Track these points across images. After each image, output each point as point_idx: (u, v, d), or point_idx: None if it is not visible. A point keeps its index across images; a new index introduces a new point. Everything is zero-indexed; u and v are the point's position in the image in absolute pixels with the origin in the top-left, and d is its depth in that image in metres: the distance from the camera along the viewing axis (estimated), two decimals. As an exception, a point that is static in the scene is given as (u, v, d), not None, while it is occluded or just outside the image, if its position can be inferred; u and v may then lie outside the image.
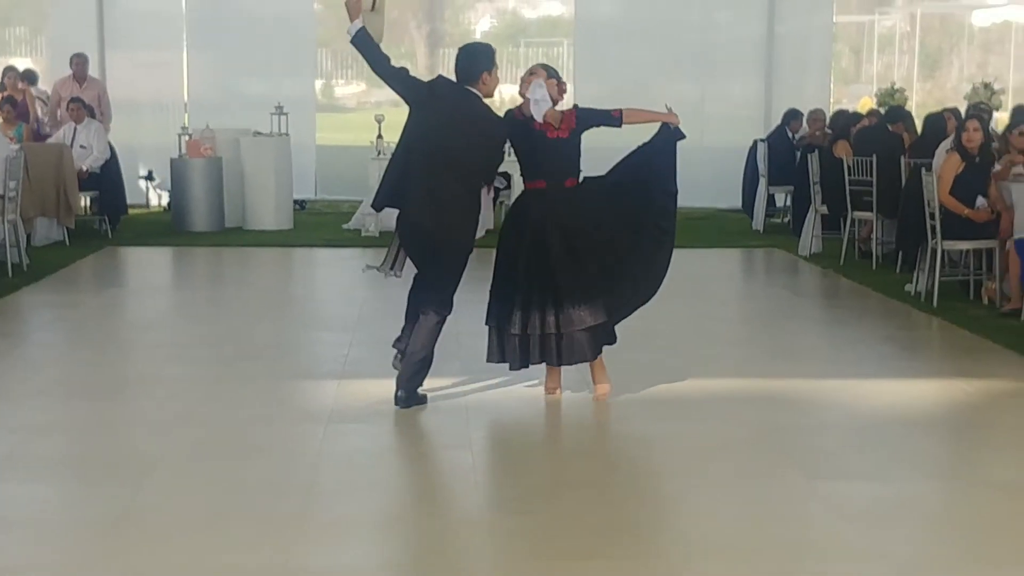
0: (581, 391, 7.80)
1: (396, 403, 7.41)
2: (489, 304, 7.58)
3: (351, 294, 11.57)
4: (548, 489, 6.18)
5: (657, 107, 7.82)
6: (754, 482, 6.29)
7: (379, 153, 15.17)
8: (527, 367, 7.61)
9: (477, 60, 7.29)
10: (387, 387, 7.75)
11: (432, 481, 6.54)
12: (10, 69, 16.62)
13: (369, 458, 6.75)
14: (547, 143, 7.40)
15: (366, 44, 7.32)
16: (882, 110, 16.34)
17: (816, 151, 13.84)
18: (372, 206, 7.77)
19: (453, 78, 7.33)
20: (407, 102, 7.34)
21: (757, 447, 6.91)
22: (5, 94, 15.76)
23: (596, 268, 7.44)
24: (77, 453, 6.75)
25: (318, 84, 28.40)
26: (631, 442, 7.03)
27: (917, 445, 6.96)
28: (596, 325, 7.45)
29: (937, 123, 12.63)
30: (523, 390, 7.81)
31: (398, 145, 7.37)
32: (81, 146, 15.06)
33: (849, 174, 12.86)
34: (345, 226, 15.87)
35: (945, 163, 10.73)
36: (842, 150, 13.33)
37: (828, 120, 15.50)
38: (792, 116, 16.01)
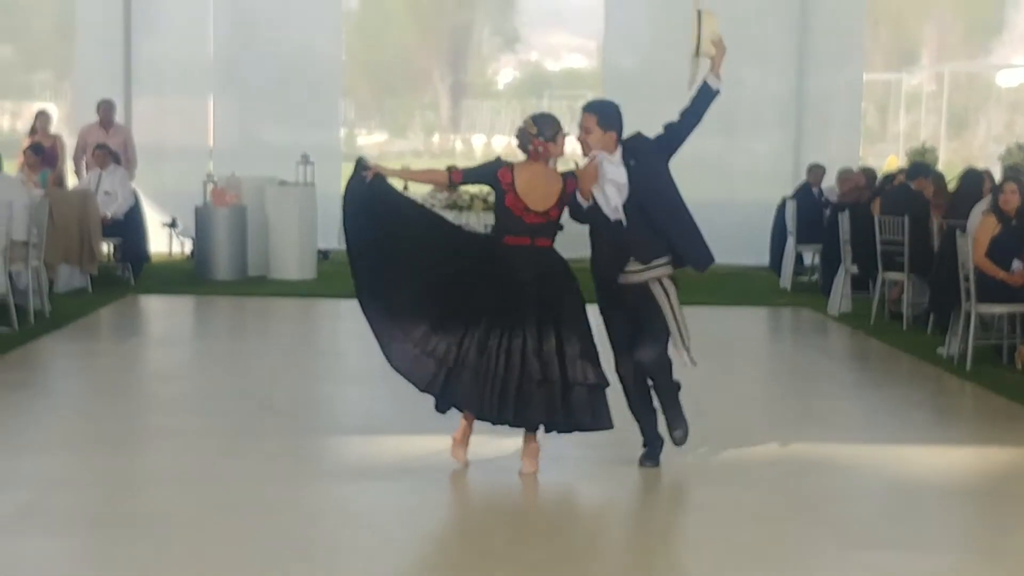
0: (605, 457, 7.64)
1: (677, 443, 7.44)
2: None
3: (374, 346, 11.39)
4: (574, 556, 6.03)
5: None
6: (786, 551, 6.14)
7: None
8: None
9: None
10: (410, 443, 7.69)
11: (456, 543, 6.36)
12: (42, 114, 16.62)
13: (391, 517, 6.61)
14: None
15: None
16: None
17: (847, 209, 13.71)
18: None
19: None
20: None
21: (788, 514, 6.76)
22: (34, 139, 15.73)
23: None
24: (93, 508, 6.61)
25: (341, 133, 28.37)
26: (658, 508, 6.87)
27: (953, 514, 6.83)
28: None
29: (974, 180, 12.43)
30: (555, 450, 7.60)
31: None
32: (106, 192, 15.02)
33: (880, 233, 12.72)
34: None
35: (981, 225, 10.59)
36: (878, 208, 13.19)
37: (868, 178, 15.36)
38: (816, 169, 15.96)
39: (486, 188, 7.48)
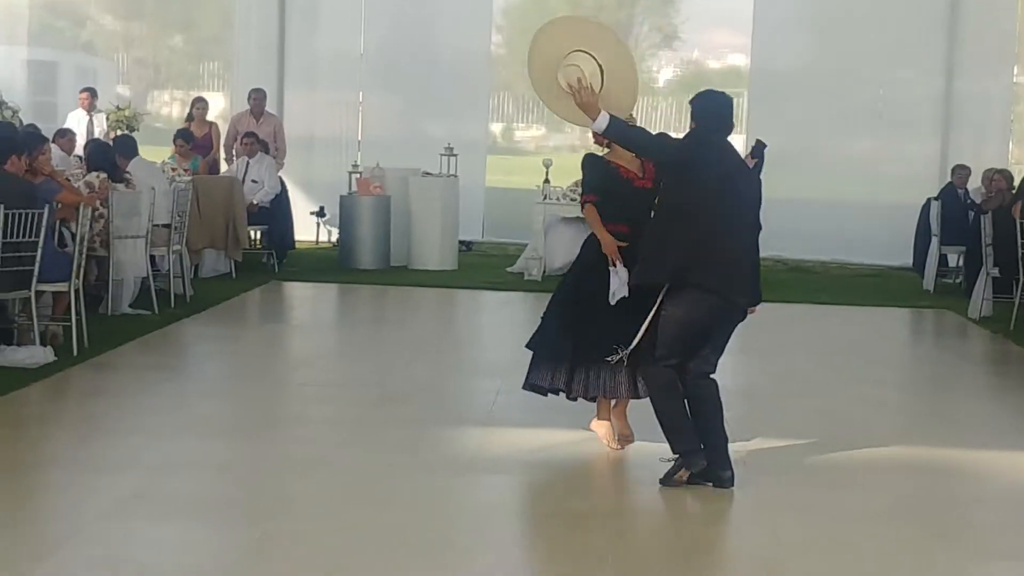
0: (737, 449, 7.51)
1: (725, 484, 6.85)
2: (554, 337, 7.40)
3: (507, 338, 11.41)
4: (678, 557, 5.92)
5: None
6: (906, 558, 5.97)
7: (544, 197, 15.08)
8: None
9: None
10: (531, 437, 7.67)
11: (573, 541, 6.25)
12: (199, 100, 16.88)
13: (508, 513, 6.57)
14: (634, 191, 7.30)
15: (621, 131, 6.90)
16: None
17: (990, 212, 13.38)
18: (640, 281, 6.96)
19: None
20: (677, 166, 6.86)
21: (911, 519, 6.58)
22: (190, 125, 16.00)
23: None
24: (209, 492, 6.68)
25: (498, 127, 28.51)
26: (771, 509, 6.69)
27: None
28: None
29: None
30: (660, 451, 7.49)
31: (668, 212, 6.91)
32: (252, 180, 15.22)
33: (1022, 236, 12.36)
34: (509, 269, 15.77)
35: None
36: (1019, 211, 12.82)
37: (1014, 180, 14.95)
38: (960, 169, 15.61)
39: None
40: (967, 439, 8.22)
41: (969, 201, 15.43)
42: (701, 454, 6.79)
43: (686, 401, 6.87)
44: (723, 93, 6.99)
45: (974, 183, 15.74)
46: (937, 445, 8.03)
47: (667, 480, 6.84)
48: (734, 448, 7.18)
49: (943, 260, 15.80)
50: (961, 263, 15.40)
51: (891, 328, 13.43)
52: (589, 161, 7.48)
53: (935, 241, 15.48)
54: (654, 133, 7.14)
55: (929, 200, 15.88)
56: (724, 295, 6.72)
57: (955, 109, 17.97)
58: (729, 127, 6.94)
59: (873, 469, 7.49)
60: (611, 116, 6.79)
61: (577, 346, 7.29)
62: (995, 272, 13.13)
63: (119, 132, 15.58)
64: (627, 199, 7.26)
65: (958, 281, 15.47)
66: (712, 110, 6.86)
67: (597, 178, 7.38)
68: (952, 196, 15.57)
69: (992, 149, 17.59)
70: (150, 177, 12.36)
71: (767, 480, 7.16)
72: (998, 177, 14.91)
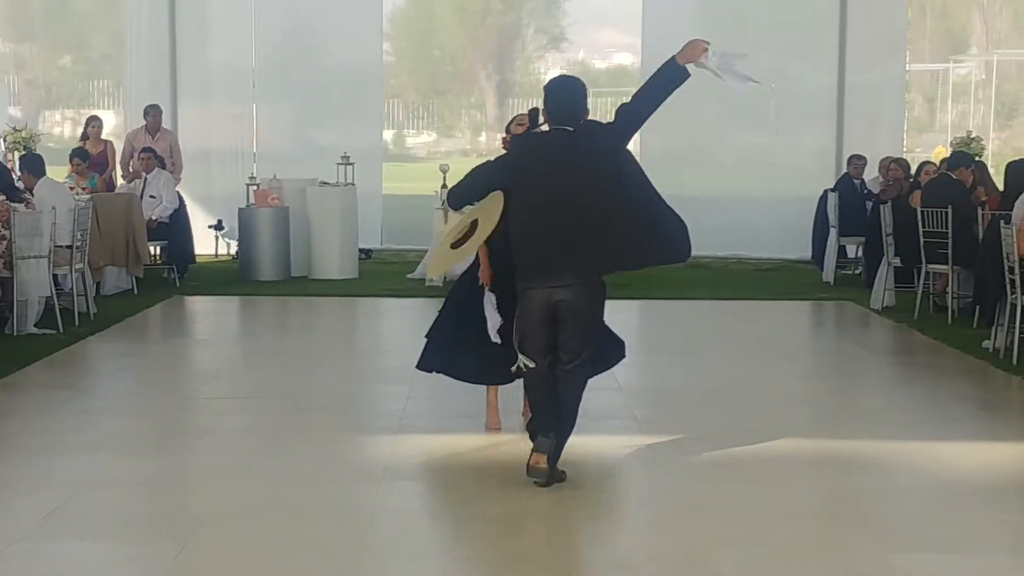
0: (649, 448, 7.62)
1: (539, 480, 6.85)
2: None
3: (412, 345, 11.36)
4: (609, 559, 6.00)
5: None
6: (825, 552, 6.02)
7: (443, 203, 15.13)
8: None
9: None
10: (442, 443, 7.69)
11: (486, 545, 6.33)
12: (93, 119, 16.78)
13: (423, 519, 6.62)
14: None
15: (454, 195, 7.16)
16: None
17: (889, 201, 13.61)
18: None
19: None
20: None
21: (827, 514, 6.69)
22: (85, 144, 15.88)
23: None
24: (127, 509, 6.65)
25: (389, 134, 28.39)
26: (691, 507, 6.78)
27: (999, 515, 6.63)
28: None
29: (1021, 171, 12.18)
30: (583, 447, 7.58)
31: None
32: (151, 196, 15.13)
33: (923, 225, 12.60)
34: (410, 275, 15.82)
35: (1026, 214, 10.47)
36: (917, 200, 13.06)
37: (911, 169, 15.25)
38: (856, 159, 15.86)
39: None
40: (880, 430, 8.33)
41: (866, 191, 15.67)
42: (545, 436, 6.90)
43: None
44: (571, 78, 7.03)
45: (871, 173, 16.01)
46: (851, 437, 8.14)
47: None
48: (647, 444, 7.29)
49: (842, 251, 16.06)
50: (860, 254, 15.63)
51: (794, 321, 13.60)
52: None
53: (833, 232, 15.71)
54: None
55: (826, 192, 16.14)
56: (524, 284, 6.83)
57: (848, 99, 18.20)
58: (570, 114, 6.71)
59: (790, 463, 7.57)
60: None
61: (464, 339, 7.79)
62: (896, 262, 13.38)
63: (17, 153, 15.44)
64: None
65: (858, 272, 15.70)
66: (550, 95, 6.77)
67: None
68: (849, 187, 15.81)
69: (887, 138, 17.87)
70: (58, 197, 12.29)
71: (686, 478, 7.25)
72: (895, 166, 15.19)
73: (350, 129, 18.42)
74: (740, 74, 6.77)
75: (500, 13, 45.30)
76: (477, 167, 7.10)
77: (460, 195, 7.09)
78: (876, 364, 11.28)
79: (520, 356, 6.93)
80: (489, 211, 6.91)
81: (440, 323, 8.03)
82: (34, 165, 12.57)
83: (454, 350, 7.89)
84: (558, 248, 6.65)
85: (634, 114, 6.65)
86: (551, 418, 6.94)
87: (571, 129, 6.67)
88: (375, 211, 18.27)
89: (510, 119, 8.24)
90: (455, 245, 7.08)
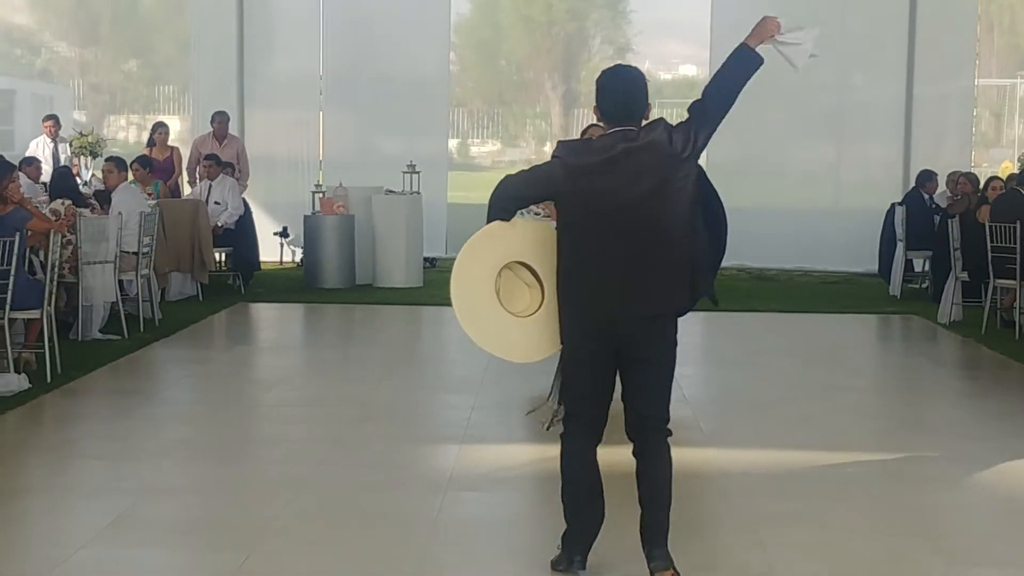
0: (715, 460, 7.57)
1: None
2: None
3: (477, 354, 11.38)
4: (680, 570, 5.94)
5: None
6: (888, 568, 5.98)
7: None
8: None
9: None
10: (507, 453, 7.69)
11: (551, 556, 6.28)
12: (160, 124, 16.92)
13: (487, 528, 6.60)
14: None
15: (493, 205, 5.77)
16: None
17: (957, 216, 13.47)
18: None
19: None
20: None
21: (891, 528, 6.61)
22: (151, 150, 16.02)
23: None
24: (191, 516, 6.69)
25: (454, 143, 28.47)
26: (755, 520, 6.73)
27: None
28: None
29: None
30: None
31: None
32: (216, 202, 15.21)
33: (991, 240, 12.46)
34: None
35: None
36: (985, 215, 12.92)
37: (980, 183, 15.07)
38: (926, 178, 15.69)
39: None
40: (946, 445, 8.27)
41: (934, 205, 15.53)
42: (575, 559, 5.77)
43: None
44: (628, 67, 5.71)
45: (939, 187, 15.86)
46: (917, 452, 8.07)
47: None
48: (713, 456, 7.24)
49: (909, 265, 15.90)
50: (927, 268, 15.50)
51: (861, 334, 13.49)
52: None
53: (900, 246, 15.57)
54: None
55: (893, 205, 16.00)
56: (575, 315, 5.55)
57: (916, 113, 18.07)
58: (627, 110, 5.48)
59: (855, 477, 7.52)
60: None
61: None
62: (964, 276, 13.24)
63: (83, 157, 15.61)
64: None
65: (924, 286, 15.57)
66: (604, 89, 5.57)
67: None
68: (917, 201, 15.64)
69: (954, 152, 17.74)
70: (135, 203, 12.43)
71: (750, 491, 7.20)
72: (963, 181, 15.05)
73: (415, 137, 18.48)
74: (805, 52, 5.90)
75: (566, 23, 45.29)
76: (521, 173, 5.84)
77: (507, 203, 5.71)
78: (942, 378, 11.17)
79: (558, 408, 6.18)
80: (544, 254, 5.67)
81: None
82: (121, 165, 12.98)
83: None
84: (622, 273, 5.39)
85: (711, 109, 5.47)
86: (593, 526, 5.74)
87: (632, 128, 5.45)
88: (440, 219, 18.29)
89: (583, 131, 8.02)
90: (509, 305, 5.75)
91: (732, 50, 5.63)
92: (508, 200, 5.68)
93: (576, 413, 5.63)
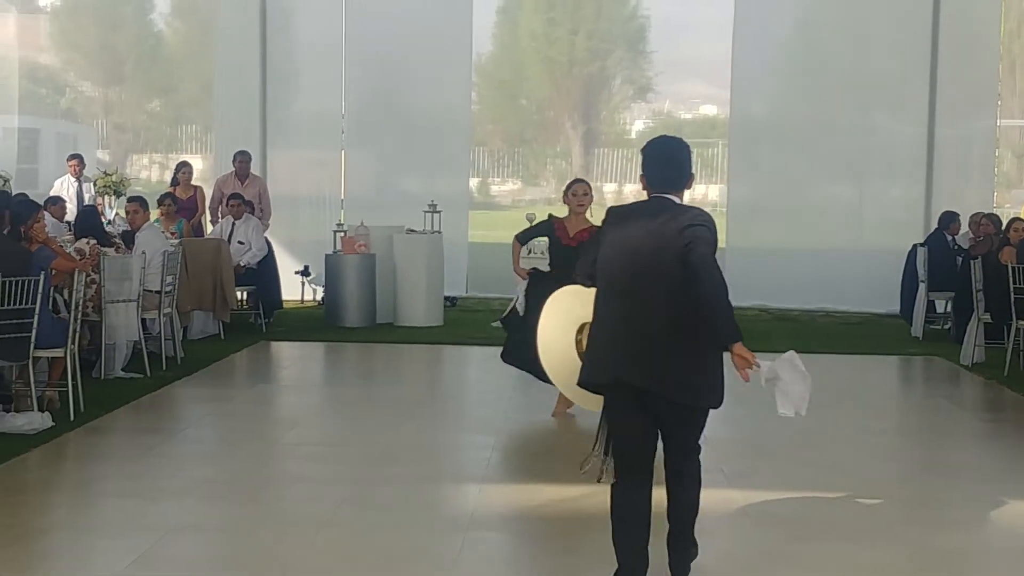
0: (736, 501, 7.56)
1: None
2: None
3: (498, 394, 11.46)
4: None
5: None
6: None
7: (529, 252, 15.11)
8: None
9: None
10: (527, 493, 7.67)
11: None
12: (184, 164, 17.01)
13: (508, 569, 6.59)
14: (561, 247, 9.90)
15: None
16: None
17: (980, 257, 13.45)
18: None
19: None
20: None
21: (914, 572, 6.59)
22: (175, 189, 16.12)
23: None
24: (214, 555, 6.71)
25: (474, 182, 28.52)
26: (777, 562, 6.72)
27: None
28: None
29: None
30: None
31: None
32: (239, 241, 15.28)
33: (1014, 281, 12.43)
34: (494, 323, 15.81)
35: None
36: (1008, 256, 12.90)
37: (1002, 224, 15.06)
38: (950, 219, 15.66)
39: None
40: (970, 488, 8.24)
41: (956, 247, 15.51)
42: None
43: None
44: (673, 138, 6.02)
45: (961, 228, 15.83)
46: (940, 494, 8.06)
47: None
48: (734, 497, 7.22)
49: (931, 306, 15.86)
50: (949, 309, 15.47)
51: (883, 376, 13.44)
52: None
53: (922, 287, 15.55)
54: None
55: (915, 246, 15.99)
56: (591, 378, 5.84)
57: (938, 154, 18.02)
58: (671, 175, 5.80)
59: (878, 519, 7.50)
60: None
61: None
62: (986, 318, 13.21)
63: (108, 197, 15.70)
64: (556, 251, 10.03)
65: (947, 327, 15.53)
66: (648, 159, 5.86)
67: (534, 228, 10.48)
68: (940, 242, 15.61)
69: (976, 193, 17.73)
70: (158, 242, 12.54)
71: (772, 533, 7.19)
72: (985, 222, 15.03)
73: (436, 176, 18.55)
74: (792, 396, 6.00)
75: (587, 63, 45.43)
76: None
77: (583, 268, 6.07)
78: (965, 420, 11.12)
79: (605, 458, 6.26)
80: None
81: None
82: (144, 204, 13.05)
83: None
84: (619, 331, 5.66)
85: (689, 282, 5.47)
86: (643, 565, 5.80)
87: (670, 197, 5.73)
88: (460, 259, 18.34)
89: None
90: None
91: (730, 332, 5.58)
92: (581, 265, 6.12)
93: (620, 457, 5.82)
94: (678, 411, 5.69)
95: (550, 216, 10.26)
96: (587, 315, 5.91)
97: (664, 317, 5.54)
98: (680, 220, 5.57)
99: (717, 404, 5.78)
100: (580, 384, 5.89)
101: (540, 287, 9.33)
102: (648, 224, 5.63)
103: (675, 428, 5.75)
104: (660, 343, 5.56)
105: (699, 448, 5.89)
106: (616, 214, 5.87)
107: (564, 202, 10.21)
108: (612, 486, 5.80)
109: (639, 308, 5.58)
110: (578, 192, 10.10)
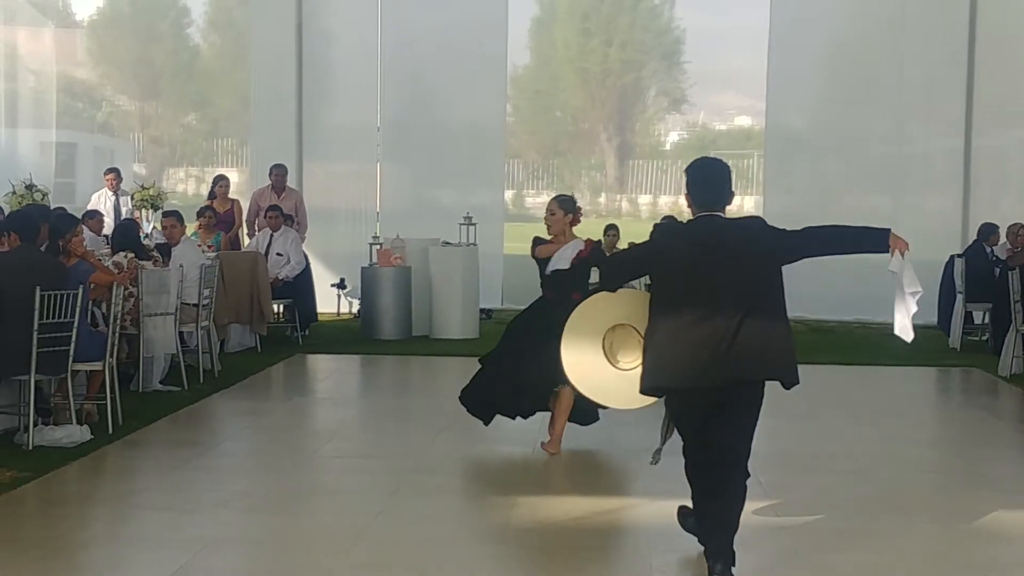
0: (775, 513, 7.54)
1: None
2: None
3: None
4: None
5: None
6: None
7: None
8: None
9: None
10: (562, 506, 7.65)
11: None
12: (221, 178, 17.09)
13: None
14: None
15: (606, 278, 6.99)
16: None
17: (1018, 268, 13.37)
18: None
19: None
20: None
21: (953, 583, 6.56)
22: (212, 202, 16.20)
23: None
24: (251, 568, 6.73)
25: (509, 194, 28.53)
26: (815, 573, 6.70)
27: None
28: None
29: None
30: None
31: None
32: (277, 253, 15.35)
33: (1051, 293, 12.37)
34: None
35: None
36: (1044, 267, 12.82)
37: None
38: (990, 231, 15.58)
39: None
40: (1009, 500, 8.18)
41: (994, 257, 15.43)
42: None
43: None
44: (714, 159, 6.58)
45: (1000, 239, 15.74)
46: (979, 506, 7.98)
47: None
48: (772, 509, 7.20)
49: (968, 317, 15.78)
50: (987, 320, 15.39)
51: (920, 387, 13.41)
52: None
53: (960, 298, 15.48)
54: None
55: (953, 257, 15.92)
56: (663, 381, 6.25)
57: (975, 164, 18.00)
58: (715, 195, 6.30)
59: (916, 532, 7.48)
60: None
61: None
62: (1024, 329, 13.14)
63: (145, 210, 15.81)
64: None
65: (985, 339, 15.45)
66: (696, 177, 6.37)
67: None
68: (978, 253, 15.54)
69: (1013, 204, 17.60)
70: (195, 256, 12.64)
71: (811, 545, 7.16)
72: (1023, 233, 14.96)
73: (472, 188, 18.60)
74: (908, 305, 7.02)
75: (621, 74, 45.45)
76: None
77: (619, 277, 6.79)
78: (1004, 432, 11.06)
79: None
80: (641, 316, 6.40)
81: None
82: (180, 219, 13.13)
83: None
84: (707, 344, 6.07)
85: (816, 245, 6.50)
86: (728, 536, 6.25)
87: (718, 215, 6.22)
88: (496, 271, 18.36)
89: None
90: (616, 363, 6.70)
91: (878, 229, 6.62)
92: (613, 282, 6.78)
93: (688, 452, 6.38)
94: (755, 397, 6.33)
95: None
96: (615, 318, 6.59)
97: (753, 315, 6.13)
98: (747, 224, 6.35)
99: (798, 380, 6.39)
100: (645, 391, 6.30)
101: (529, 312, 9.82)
102: (711, 238, 6.13)
103: (744, 418, 6.30)
104: (758, 334, 6.18)
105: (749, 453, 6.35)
106: (668, 232, 6.63)
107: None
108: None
109: (723, 311, 6.06)
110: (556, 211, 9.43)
